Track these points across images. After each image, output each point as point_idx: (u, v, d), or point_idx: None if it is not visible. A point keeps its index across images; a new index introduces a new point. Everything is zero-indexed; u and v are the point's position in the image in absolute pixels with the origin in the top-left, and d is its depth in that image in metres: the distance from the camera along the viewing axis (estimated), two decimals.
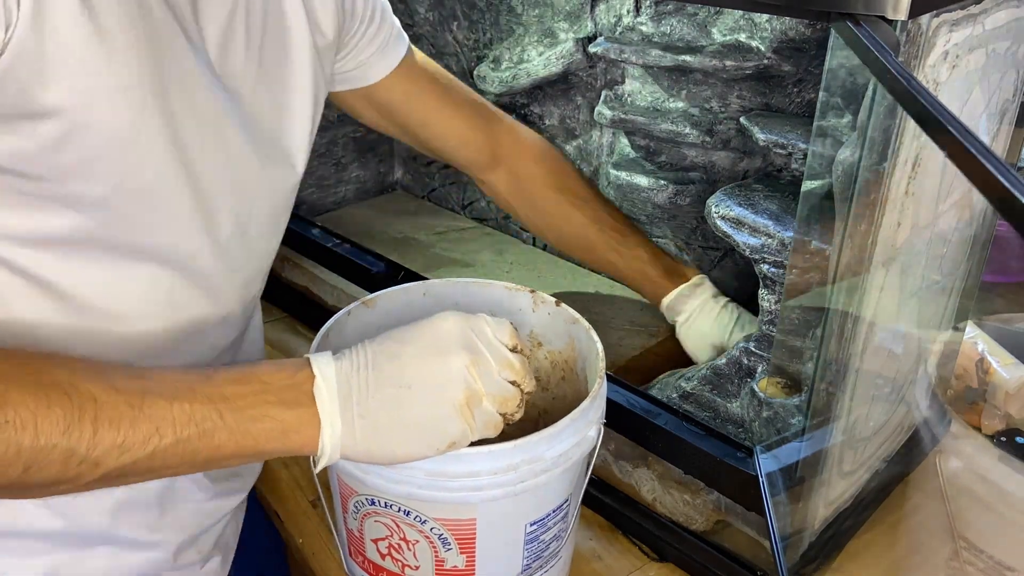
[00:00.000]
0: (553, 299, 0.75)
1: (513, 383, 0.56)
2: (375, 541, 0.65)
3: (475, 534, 0.61)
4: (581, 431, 0.62)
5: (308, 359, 0.55)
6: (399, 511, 0.60)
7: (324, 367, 0.54)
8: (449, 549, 0.62)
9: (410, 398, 0.54)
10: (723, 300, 0.93)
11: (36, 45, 0.47)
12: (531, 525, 0.63)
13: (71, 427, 0.47)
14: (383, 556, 0.65)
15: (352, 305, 0.74)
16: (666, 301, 0.94)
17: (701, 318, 0.93)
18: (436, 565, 0.63)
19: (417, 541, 0.62)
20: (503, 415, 0.56)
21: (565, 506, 0.65)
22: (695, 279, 0.94)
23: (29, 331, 0.57)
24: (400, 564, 0.64)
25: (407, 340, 0.56)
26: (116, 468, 0.48)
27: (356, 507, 0.63)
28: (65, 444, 0.46)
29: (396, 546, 0.63)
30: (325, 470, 0.58)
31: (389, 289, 0.76)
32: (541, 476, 0.59)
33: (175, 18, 0.55)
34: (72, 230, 0.55)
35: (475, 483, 0.58)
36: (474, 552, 0.62)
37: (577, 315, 0.73)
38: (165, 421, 0.49)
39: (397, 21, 0.85)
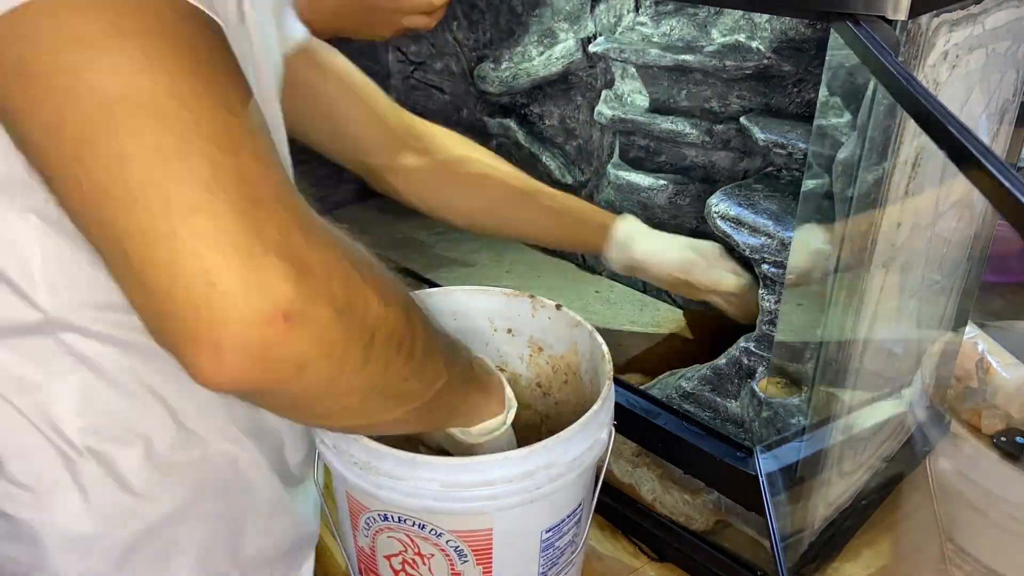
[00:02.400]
0: (553, 303, 0.75)
1: None
2: (388, 557, 0.63)
3: (491, 544, 0.60)
4: (594, 434, 0.61)
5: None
6: (414, 525, 0.59)
7: (481, 357, 0.63)
8: (465, 561, 0.61)
9: None
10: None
11: None
12: (546, 532, 0.62)
13: (428, 325, 0.49)
14: (396, 573, 0.64)
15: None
16: (618, 236, 0.90)
17: (655, 240, 0.91)
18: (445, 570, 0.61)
19: (432, 555, 0.61)
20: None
21: (579, 511, 0.64)
22: (622, 216, 0.91)
23: None
24: None
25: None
26: (437, 392, 0.51)
27: (367, 524, 0.62)
28: (423, 344, 0.48)
29: (411, 561, 0.62)
30: (329, 488, 0.62)
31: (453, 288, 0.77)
32: (557, 481, 0.58)
33: None
34: None
35: (491, 492, 0.57)
36: (491, 563, 0.61)
37: (579, 318, 0.73)
38: (454, 349, 0.55)
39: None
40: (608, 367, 0.66)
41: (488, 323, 0.77)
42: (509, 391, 0.62)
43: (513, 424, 0.63)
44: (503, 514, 0.58)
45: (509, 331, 0.77)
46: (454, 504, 0.57)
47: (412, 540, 0.61)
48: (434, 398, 0.51)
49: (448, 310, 0.76)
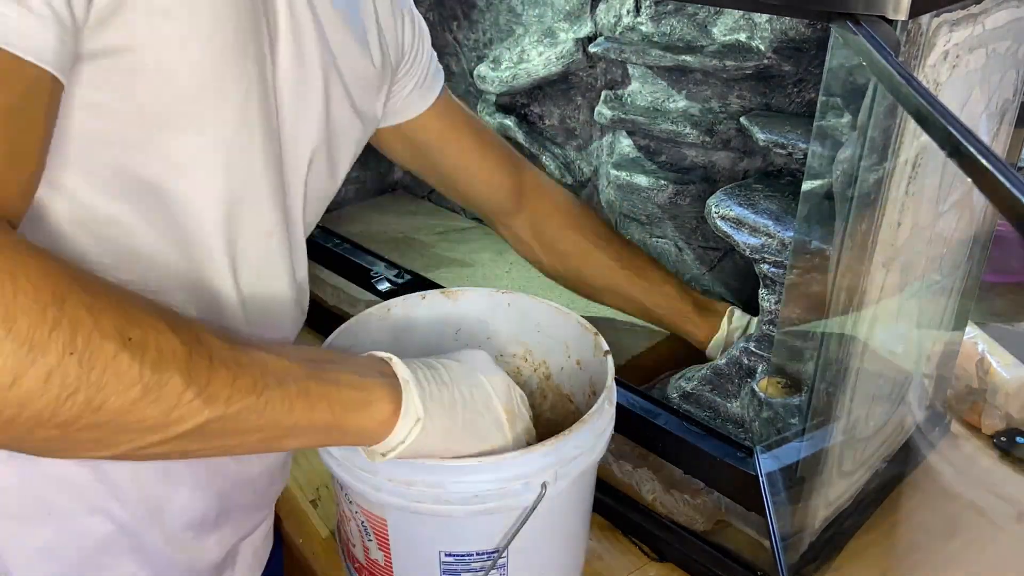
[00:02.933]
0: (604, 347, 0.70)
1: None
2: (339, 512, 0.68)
3: (388, 535, 0.62)
4: (503, 480, 0.57)
5: (372, 353, 0.57)
6: (340, 486, 0.64)
7: (394, 357, 0.56)
8: (370, 540, 0.63)
9: (466, 398, 0.57)
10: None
11: None
12: (447, 556, 0.61)
13: (191, 356, 0.43)
14: (338, 527, 0.69)
15: (429, 293, 0.75)
16: (715, 341, 0.92)
17: None
18: (364, 550, 0.65)
19: (350, 519, 0.65)
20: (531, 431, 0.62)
21: (495, 555, 0.61)
22: (729, 310, 0.91)
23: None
24: (348, 542, 0.67)
25: (459, 359, 0.60)
26: (218, 418, 0.44)
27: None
28: (184, 376, 0.42)
29: (343, 515, 0.66)
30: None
31: (464, 288, 0.77)
32: (443, 505, 0.57)
33: None
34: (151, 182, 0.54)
35: (375, 482, 0.57)
36: (390, 553, 0.62)
37: (611, 379, 0.66)
38: (267, 370, 0.47)
39: (435, 53, 0.83)
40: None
41: (564, 349, 0.75)
42: (415, 403, 0.54)
43: None
44: (394, 513, 0.59)
45: (578, 363, 0.74)
46: (348, 477, 0.59)
47: (340, 499, 0.66)
48: (221, 420, 0.45)
49: (532, 322, 0.75)
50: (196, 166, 0.55)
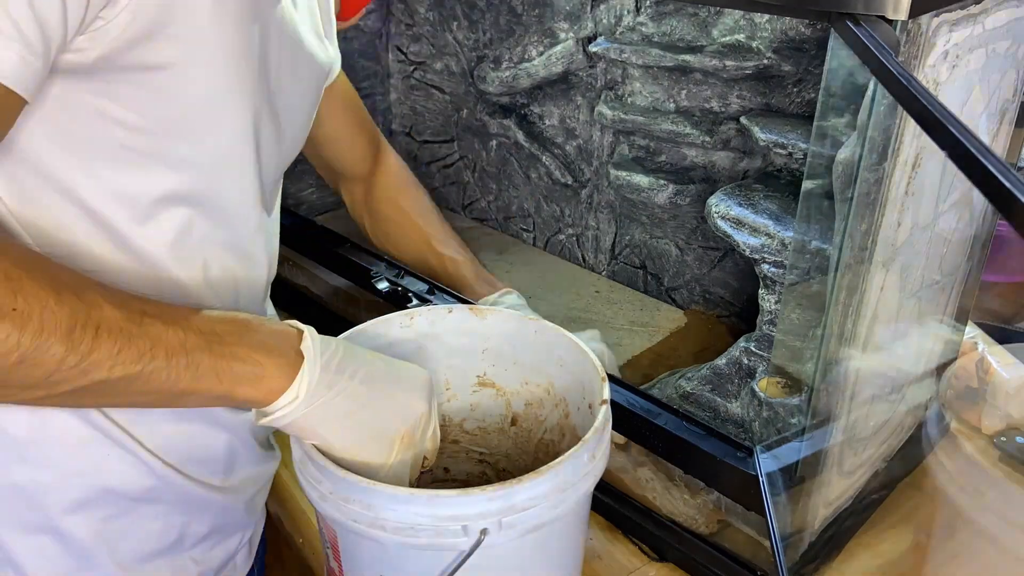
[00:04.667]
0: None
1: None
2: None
3: (339, 548, 0.60)
4: (438, 518, 0.53)
5: (295, 323, 0.59)
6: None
7: (313, 334, 0.58)
8: (328, 548, 0.62)
9: (372, 404, 0.58)
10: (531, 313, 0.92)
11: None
12: None
13: (74, 328, 0.47)
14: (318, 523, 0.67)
15: (457, 307, 0.74)
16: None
17: None
18: (327, 556, 0.64)
19: (320, 524, 0.63)
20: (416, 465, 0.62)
21: None
22: (505, 289, 0.95)
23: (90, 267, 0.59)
24: (323, 546, 0.65)
25: (395, 364, 0.62)
26: (101, 381, 0.49)
27: None
28: (64, 345, 0.47)
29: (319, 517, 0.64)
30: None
31: (493, 308, 0.75)
32: (378, 531, 0.54)
33: None
34: (164, 188, 0.59)
35: (321, 491, 0.56)
36: (342, 566, 0.61)
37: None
38: (159, 342, 0.50)
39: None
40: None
41: (581, 390, 0.70)
42: (303, 384, 0.55)
43: None
44: (342, 526, 0.57)
45: (590, 407, 0.68)
46: (303, 482, 0.58)
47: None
48: (104, 383, 0.49)
49: (556, 355, 0.71)
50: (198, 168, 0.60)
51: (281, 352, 0.55)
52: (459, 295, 0.92)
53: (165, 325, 0.51)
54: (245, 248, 0.68)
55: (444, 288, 0.94)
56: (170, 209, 0.60)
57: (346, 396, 0.57)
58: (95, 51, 0.50)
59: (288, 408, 0.55)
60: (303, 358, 0.56)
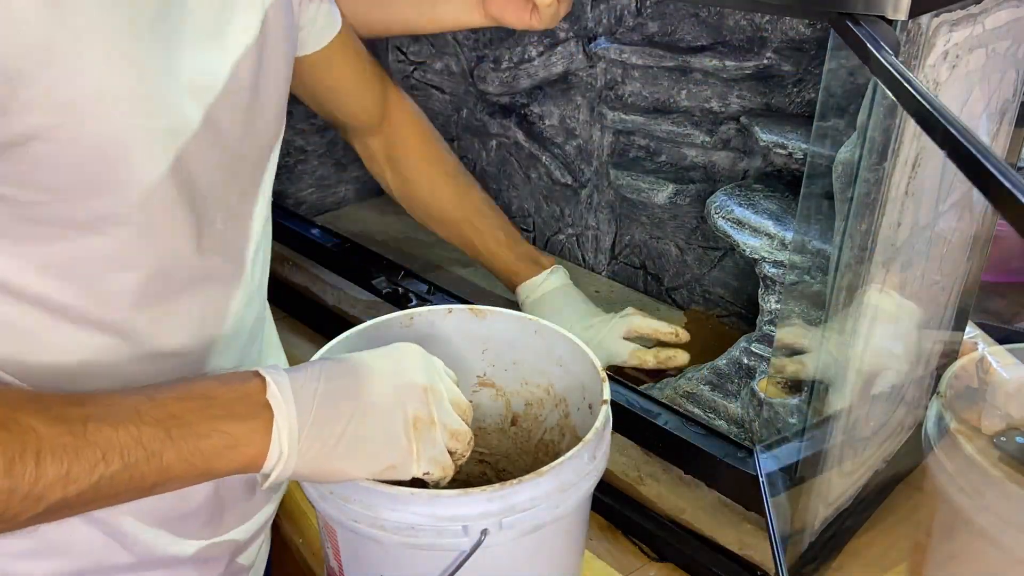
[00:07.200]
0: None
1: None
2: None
3: (339, 546, 0.60)
4: (438, 518, 0.52)
5: (257, 371, 0.53)
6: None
7: (278, 376, 0.53)
8: (328, 546, 0.61)
9: (363, 412, 0.54)
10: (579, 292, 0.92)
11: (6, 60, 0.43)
12: None
13: (13, 463, 0.44)
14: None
15: (456, 308, 0.73)
16: (527, 284, 0.94)
17: (554, 300, 0.92)
18: (327, 555, 0.63)
19: (319, 523, 0.63)
20: (452, 452, 0.56)
21: None
22: (553, 267, 0.93)
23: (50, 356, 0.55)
24: (323, 543, 0.64)
25: (365, 359, 0.56)
26: (60, 501, 0.46)
27: None
28: (7, 483, 0.44)
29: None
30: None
31: (493, 309, 0.74)
32: (378, 531, 0.53)
33: None
34: (86, 248, 0.53)
35: (321, 490, 0.56)
36: (342, 564, 0.61)
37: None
38: (111, 447, 0.47)
39: None
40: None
41: (581, 390, 0.71)
42: (281, 441, 0.51)
43: None
44: (342, 526, 0.56)
45: (590, 407, 0.69)
46: (308, 487, 0.57)
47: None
48: (63, 501, 0.46)
49: (556, 355, 0.71)
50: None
51: (249, 413, 0.51)
52: (498, 276, 0.94)
53: (114, 427, 0.47)
54: (217, 276, 0.62)
55: (444, 288, 0.94)
56: (115, 273, 0.54)
57: (333, 421, 0.53)
58: None
59: (281, 465, 0.51)
60: (272, 411, 0.52)
